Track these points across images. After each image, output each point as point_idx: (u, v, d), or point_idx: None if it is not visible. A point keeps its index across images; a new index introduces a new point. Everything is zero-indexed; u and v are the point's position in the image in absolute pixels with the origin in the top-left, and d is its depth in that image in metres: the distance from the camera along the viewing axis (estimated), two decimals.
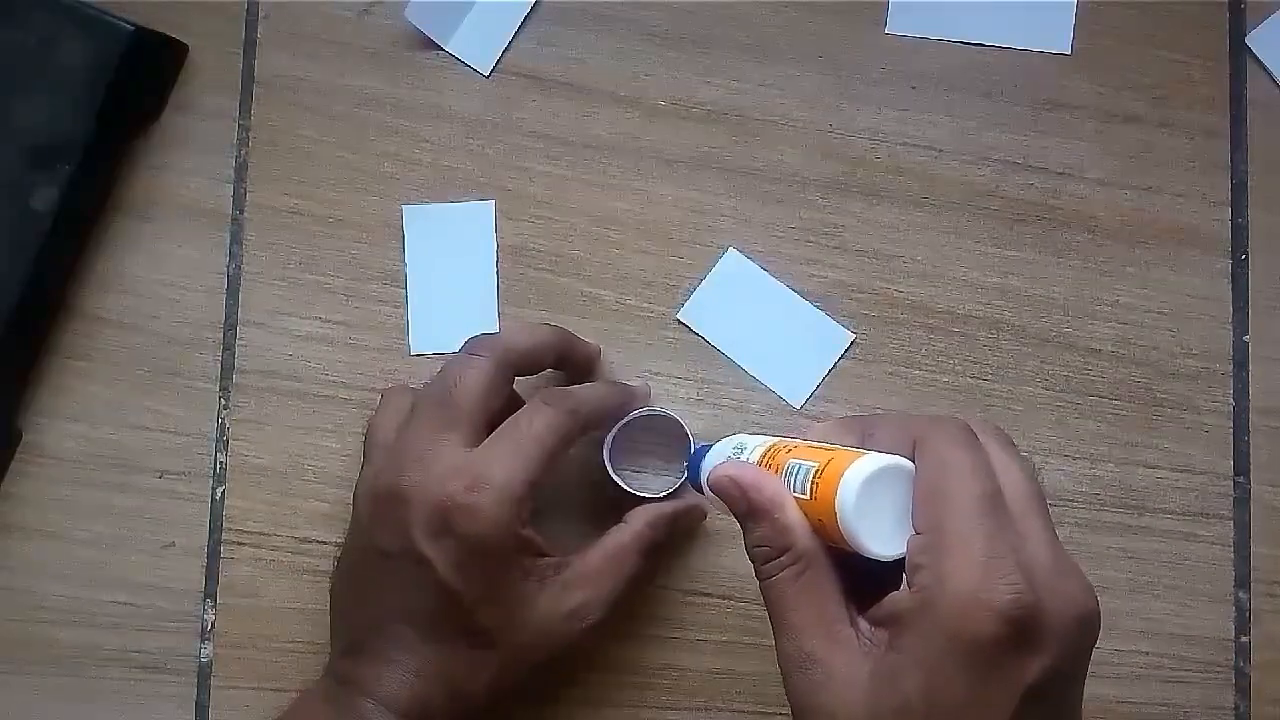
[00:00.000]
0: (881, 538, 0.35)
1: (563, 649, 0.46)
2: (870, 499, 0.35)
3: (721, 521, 0.51)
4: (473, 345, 0.47)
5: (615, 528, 0.48)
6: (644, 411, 0.50)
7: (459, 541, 0.43)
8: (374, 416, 0.49)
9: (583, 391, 0.47)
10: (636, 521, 0.48)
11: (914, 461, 0.36)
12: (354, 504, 0.47)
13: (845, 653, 0.35)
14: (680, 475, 0.50)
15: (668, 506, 0.49)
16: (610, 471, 0.49)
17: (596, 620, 0.46)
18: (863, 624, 0.36)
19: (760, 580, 0.37)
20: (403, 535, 0.43)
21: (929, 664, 0.34)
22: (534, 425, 0.44)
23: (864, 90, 0.53)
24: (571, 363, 0.50)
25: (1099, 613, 0.35)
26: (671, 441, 0.51)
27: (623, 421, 0.49)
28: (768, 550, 0.37)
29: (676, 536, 0.51)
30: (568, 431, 0.45)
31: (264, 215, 0.53)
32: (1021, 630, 0.33)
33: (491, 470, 0.43)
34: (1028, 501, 0.36)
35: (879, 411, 0.52)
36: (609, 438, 0.49)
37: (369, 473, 0.47)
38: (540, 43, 0.53)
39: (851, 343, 0.52)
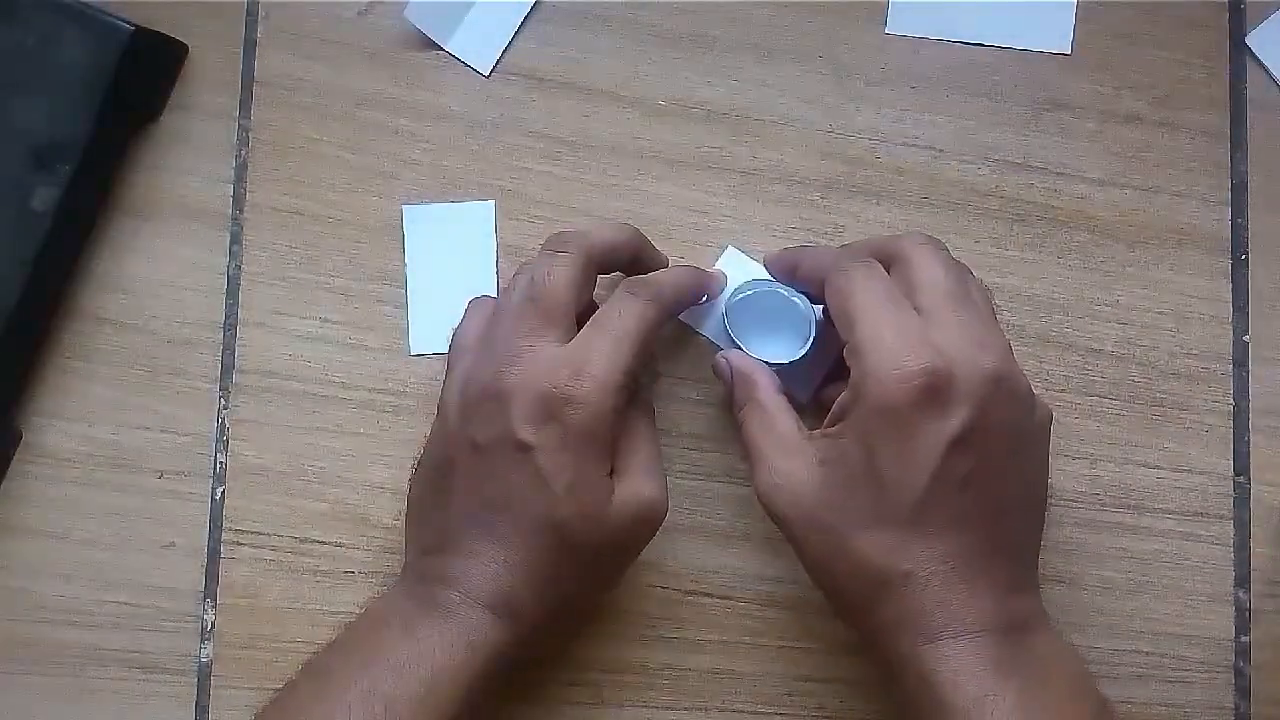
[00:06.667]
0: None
1: (632, 551, 0.46)
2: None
3: (721, 521, 0.51)
4: (556, 242, 0.47)
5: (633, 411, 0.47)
6: (761, 287, 0.50)
7: (563, 429, 0.43)
8: (459, 325, 0.49)
9: (663, 277, 0.48)
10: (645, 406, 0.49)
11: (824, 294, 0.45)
12: (440, 409, 0.47)
13: (802, 456, 0.44)
14: (801, 346, 0.49)
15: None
16: (733, 338, 0.49)
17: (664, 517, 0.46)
18: (817, 435, 0.44)
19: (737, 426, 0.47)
20: (502, 426, 0.43)
21: (864, 437, 0.41)
22: (624, 316, 0.45)
23: (864, 90, 0.53)
24: (643, 265, 0.50)
25: (1010, 373, 0.42)
26: (786, 314, 0.50)
27: (739, 295, 0.50)
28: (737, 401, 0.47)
29: (676, 536, 0.51)
30: (656, 318, 0.46)
31: (264, 215, 0.53)
32: (933, 391, 0.40)
33: (591, 361, 0.44)
34: (940, 295, 0.43)
35: None
36: (724, 307, 0.50)
37: (457, 376, 0.46)
38: (540, 43, 0.53)
39: None
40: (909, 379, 0.40)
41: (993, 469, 0.42)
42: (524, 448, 0.43)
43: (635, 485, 0.45)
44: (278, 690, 0.44)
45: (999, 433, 0.42)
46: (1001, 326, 0.46)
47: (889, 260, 0.45)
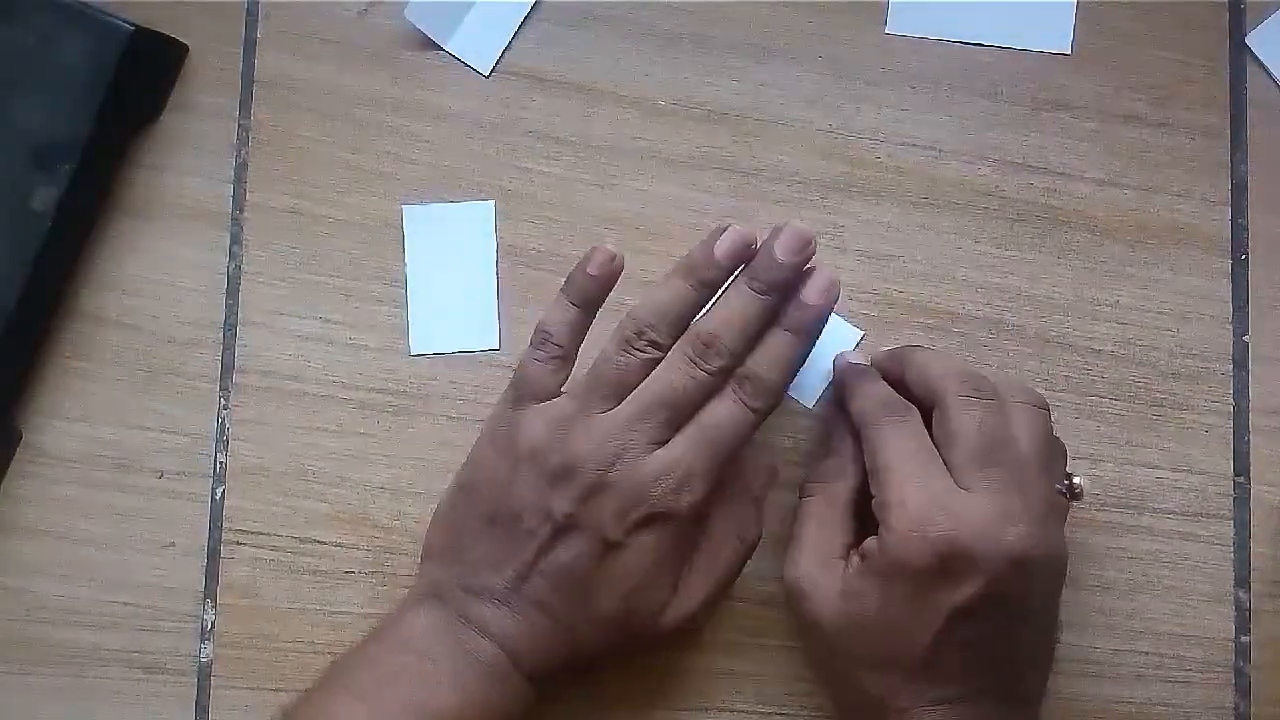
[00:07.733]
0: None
1: (666, 642, 0.47)
2: None
3: None
4: (708, 355, 0.44)
5: (724, 549, 0.47)
6: None
7: (655, 539, 0.44)
8: (549, 330, 0.46)
9: (778, 371, 0.45)
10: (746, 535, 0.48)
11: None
12: (503, 440, 0.45)
13: (833, 576, 0.45)
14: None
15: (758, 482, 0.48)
16: None
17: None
18: (853, 557, 0.45)
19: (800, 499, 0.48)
20: (595, 517, 0.44)
21: (881, 586, 0.43)
22: (731, 423, 0.45)
23: (864, 90, 0.53)
24: None
25: (1031, 552, 0.42)
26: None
27: None
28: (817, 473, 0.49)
29: None
30: (758, 422, 0.45)
31: (264, 215, 0.53)
32: (946, 563, 0.42)
33: (695, 476, 0.44)
34: (971, 453, 0.43)
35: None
36: None
37: (546, 423, 0.44)
38: (540, 43, 0.53)
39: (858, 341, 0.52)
40: (925, 547, 0.42)
41: (1001, 632, 0.43)
42: (611, 546, 0.44)
43: (687, 601, 0.46)
44: (302, 692, 0.44)
45: (1011, 604, 0.43)
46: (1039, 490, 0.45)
47: (931, 401, 0.46)
